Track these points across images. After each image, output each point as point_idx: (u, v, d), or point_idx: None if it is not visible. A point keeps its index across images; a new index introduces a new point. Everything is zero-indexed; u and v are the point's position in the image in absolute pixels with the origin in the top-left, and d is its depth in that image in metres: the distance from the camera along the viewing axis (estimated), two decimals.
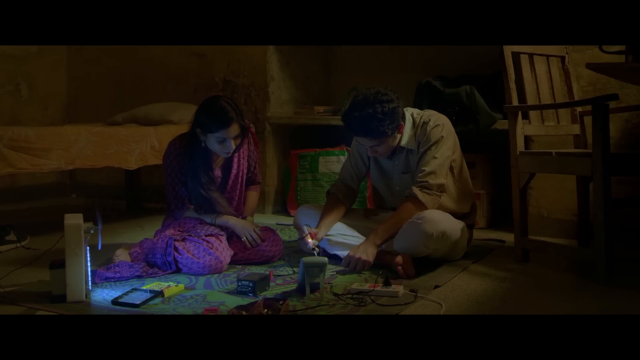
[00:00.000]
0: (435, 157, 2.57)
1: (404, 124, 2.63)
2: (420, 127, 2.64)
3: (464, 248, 2.69)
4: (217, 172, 2.75)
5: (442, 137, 2.60)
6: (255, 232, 2.65)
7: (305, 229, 2.58)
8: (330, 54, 4.43)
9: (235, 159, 2.77)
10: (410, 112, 2.69)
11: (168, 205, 2.77)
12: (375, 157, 2.76)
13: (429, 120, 2.64)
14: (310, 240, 2.52)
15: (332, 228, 2.67)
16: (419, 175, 2.57)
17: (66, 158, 2.95)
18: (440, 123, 2.63)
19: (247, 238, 2.64)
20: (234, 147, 2.61)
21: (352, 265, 2.48)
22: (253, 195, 2.92)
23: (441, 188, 2.57)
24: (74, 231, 2.08)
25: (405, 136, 2.64)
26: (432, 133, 2.60)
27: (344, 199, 2.78)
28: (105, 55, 4.60)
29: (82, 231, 2.09)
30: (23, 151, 2.78)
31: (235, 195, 2.80)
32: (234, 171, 2.77)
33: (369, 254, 2.47)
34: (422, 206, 2.52)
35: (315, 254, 2.44)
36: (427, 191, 2.54)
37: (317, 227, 2.62)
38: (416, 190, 2.54)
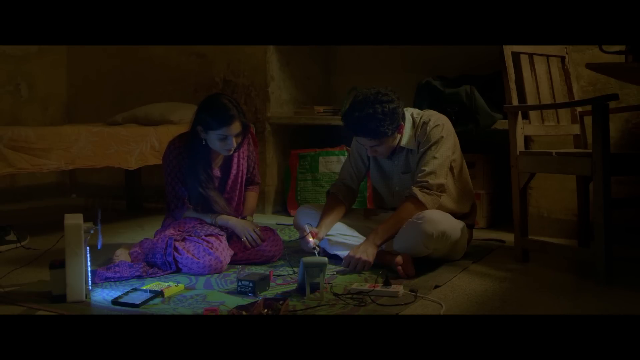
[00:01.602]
0: (435, 157, 2.57)
1: (404, 124, 2.63)
2: (420, 127, 2.64)
3: (464, 248, 2.69)
4: (217, 172, 2.75)
5: (442, 137, 2.60)
6: (255, 232, 2.65)
7: (307, 228, 2.58)
8: (330, 54, 4.43)
9: (235, 159, 2.77)
10: (410, 112, 2.69)
11: (168, 205, 2.77)
12: (375, 157, 2.76)
13: (429, 120, 2.63)
14: (311, 239, 2.52)
15: (332, 228, 2.67)
16: (419, 175, 2.57)
17: (66, 158, 2.95)
18: (440, 123, 2.63)
19: (247, 238, 2.64)
20: (235, 145, 2.60)
21: (352, 266, 2.48)
22: (252, 196, 2.92)
23: (441, 188, 2.57)
24: (74, 231, 2.08)
25: (405, 136, 2.64)
26: (432, 133, 2.60)
27: (344, 199, 2.78)
28: (105, 55, 4.60)
29: (82, 231, 2.09)
30: (23, 151, 2.78)
31: (234, 196, 2.80)
32: (233, 171, 2.77)
33: (369, 254, 2.47)
34: (422, 206, 2.52)
35: (316, 253, 2.44)
36: (427, 191, 2.54)
37: (317, 227, 2.62)
38: (416, 190, 2.54)
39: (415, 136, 2.64)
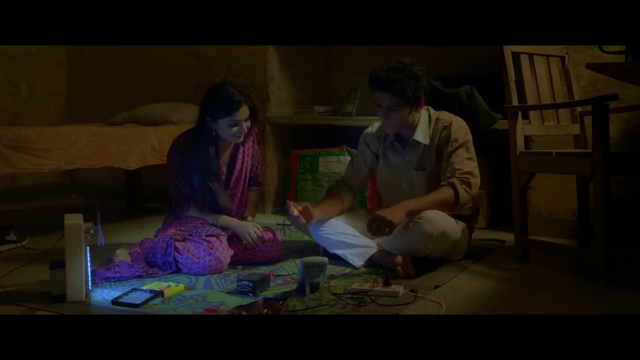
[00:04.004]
0: (469, 159, 2.59)
1: (422, 110, 2.64)
2: (441, 128, 2.64)
3: (464, 248, 2.69)
4: (222, 169, 2.75)
5: (468, 140, 2.63)
6: (255, 233, 2.64)
7: (289, 202, 2.58)
8: (330, 54, 4.43)
9: (240, 156, 2.78)
10: (425, 109, 2.71)
11: (169, 203, 2.77)
12: (385, 153, 2.75)
13: (452, 121, 2.65)
14: (294, 210, 2.51)
15: (332, 227, 2.67)
16: (459, 172, 2.54)
17: (66, 158, 2.95)
18: (463, 125, 2.66)
19: (247, 240, 2.63)
20: (245, 129, 2.61)
21: (376, 226, 2.39)
22: (254, 197, 2.92)
23: (476, 188, 2.58)
24: (74, 231, 2.08)
25: (420, 130, 2.65)
26: (459, 134, 2.61)
27: (342, 196, 2.78)
28: (105, 55, 4.60)
29: (82, 231, 2.09)
30: (23, 151, 2.78)
31: (237, 192, 2.80)
32: (237, 167, 2.77)
33: (395, 216, 2.39)
34: (456, 199, 2.51)
35: (299, 221, 2.50)
36: (466, 188, 2.53)
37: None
38: (456, 182, 2.52)
39: (435, 135, 2.64)
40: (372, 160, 2.84)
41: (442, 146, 2.63)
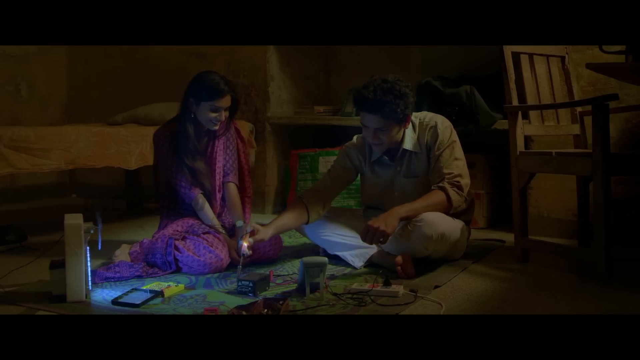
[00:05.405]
0: (457, 159, 2.57)
1: (410, 121, 2.60)
2: (427, 131, 2.62)
3: (463, 247, 2.69)
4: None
5: (454, 140, 2.61)
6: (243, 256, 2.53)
7: (248, 227, 2.42)
8: (330, 54, 4.43)
9: (211, 143, 2.77)
10: None
11: (162, 203, 2.77)
12: (372, 167, 2.72)
13: (436, 122, 2.62)
14: (245, 243, 2.33)
15: (330, 229, 2.66)
16: (448, 176, 2.53)
17: (66, 158, 2.95)
18: (447, 125, 2.63)
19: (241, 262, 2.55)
20: (223, 118, 2.65)
21: (370, 237, 2.37)
22: (232, 187, 2.79)
23: (467, 189, 2.57)
24: (74, 231, 2.08)
25: (408, 138, 2.62)
26: (444, 135, 2.58)
27: (310, 208, 2.62)
28: (105, 55, 4.60)
29: (82, 231, 2.09)
30: (23, 151, 2.78)
31: (211, 179, 2.78)
32: (207, 155, 2.76)
33: (388, 225, 2.36)
34: (449, 202, 2.49)
35: (241, 257, 2.34)
36: (457, 190, 2.52)
37: (267, 225, 2.51)
38: (447, 186, 2.50)
39: (422, 139, 2.62)
40: (352, 174, 2.78)
41: (430, 147, 2.61)
